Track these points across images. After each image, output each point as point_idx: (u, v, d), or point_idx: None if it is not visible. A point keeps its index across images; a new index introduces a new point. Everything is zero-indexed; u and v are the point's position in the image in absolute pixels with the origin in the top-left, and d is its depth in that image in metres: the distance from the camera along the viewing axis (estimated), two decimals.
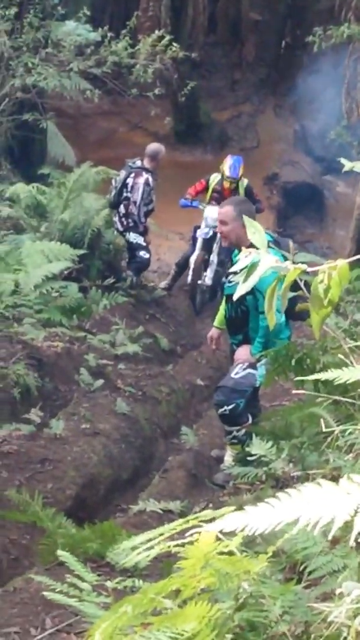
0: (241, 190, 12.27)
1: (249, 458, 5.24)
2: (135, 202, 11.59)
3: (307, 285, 3.06)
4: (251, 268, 2.83)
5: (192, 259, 12.13)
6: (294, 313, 6.09)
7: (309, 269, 2.80)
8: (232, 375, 7.00)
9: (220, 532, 2.18)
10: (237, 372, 6.98)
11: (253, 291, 5.84)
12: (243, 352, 7.05)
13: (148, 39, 13.54)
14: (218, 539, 2.36)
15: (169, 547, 2.47)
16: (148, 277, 13.18)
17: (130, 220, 11.68)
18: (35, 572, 4.72)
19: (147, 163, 11.72)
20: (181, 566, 2.42)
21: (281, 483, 4.87)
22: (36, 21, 13.14)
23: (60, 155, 15.49)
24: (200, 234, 12.07)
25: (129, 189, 11.62)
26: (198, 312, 12.45)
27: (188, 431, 8.26)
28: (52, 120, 14.56)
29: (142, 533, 2.69)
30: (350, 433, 4.26)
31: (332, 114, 17.12)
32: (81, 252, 10.94)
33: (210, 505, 6.21)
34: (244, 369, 6.95)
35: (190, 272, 12.14)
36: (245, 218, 3.24)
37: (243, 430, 6.88)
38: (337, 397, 4.67)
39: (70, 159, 15.39)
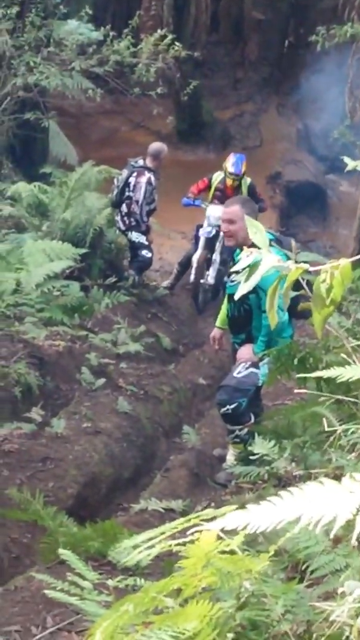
0: (244, 189, 12.26)
1: (251, 457, 5.23)
2: (137, 201, 11.59)
3: (310, 284, 3.05)
4: (253, 267, 2.82)
5: (195, 258, 12.12)
6: (297, 312, 6.10)
7: (311, 269, 2.79)
8: (235, 374, 6.99)
9: (222, 531, 2.18)
10: (240, 371, 6.96)
11: (256, 290, 5.83)
12: (246, 351, 7.03)
13: (150, 38, 13.52)
14: (219, 537, 2.35)
15: (170, 546, 2.46)
16: (150, 276, 13.19)
17: (132, 219, 11.67)
18: (37, 571, 4.71)
19: (149, 162, 11.72)
20: (182, 565, 2.41)
21: (283, 482, 4.86)
22: (38, 20, 13.13)
23: (62, 154, 15.49)
24: (203, 233, 12.05)
25: (131, 188, 11.61)
26: (200, 311, 12.44)
27: (190, 430, 8.25)
28: (54, 119, 14.55)
29: (143, 532, 2.68)
30: (352, 432, 4.25)
31: (335, 113, 17.13)
32: (83, 251, 10.94)
33: (212, 504, 6.20)
34: (247, 368, 6.94)
35: (193, 271, 12.13)
36: (247, 218, 3.23)
37: (245, 430, 6.87)
38: (339, 397, 4.66)
39: (72, 158, 15.39)
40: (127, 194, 11.64)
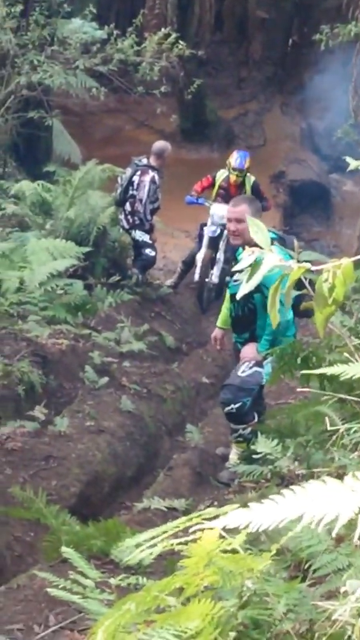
0: (248, 187, 12.25)
1: (254, 456, 5.23)
2: (141, 200, 11.58)
3: (312, 283, 3.05)
4: (254, 267, 2.82)
5: (199, 257, 12.11)
6: (300, 311, 6.10)
7: (314, 268, 2.79)
8: (239, 373, 6.98)
9: (224, 530, 2.18)
10: (244, 370, 6.95)
11: (261, 289, 5.84)
12: (249, 350, 7.03)
13: (154, 36, 13.51)
14: (221, 536, 2.35)
15: (172, 544, 2.46)
16: (154, 274, 13.18)
17: (136, 217, 11.67)
18: (39, 569, 4.71)
19: (153, 161, 11.71)
20: (184, 564, 2.41)
21: (286, 481, 4.85)
22: (42, 19, 13.12)
23: (65, 153, 15.49)
24: (208, 232, 12.04)
25: (134, 186, 11.61)
26: (204, 310, 12.44)
27: (193, 429, 8.25)
28: (58, 118, 14.55)
29: (146, 531, 2.68)
30: (355, 431, 4.25)
31: (339, 112, 17.10)
32: (86, 249, 10.94)
33: (215, 503, 6.20)
34: (251, 367, 6.93)
35: (198, 270, 12.12)
36: (248, 217, 3.23)
37: (249, 429, 6.87)
38: (342, 396, 4.66)
39: (75, 156, 15.39)
40: (130, 192, 11.63)
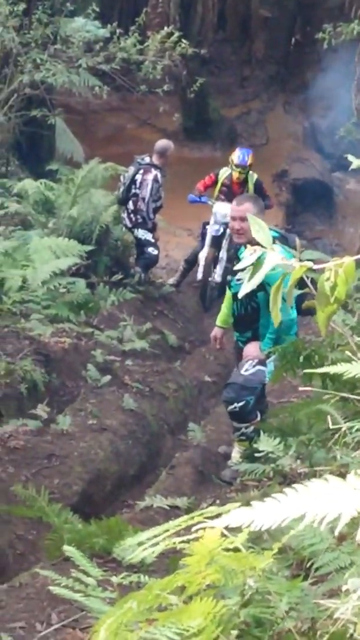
0: (250, 185, 12.24)
1: (256, 454, 5.23)
2: (143, 199, 11.58)
3: (314, 282, 3.05)
4: (256, 265, 2.82)
5: (202, 256, 12.11)
6: (302, 309, 6.10)
7: (316, 267, 2.79)
8: (242, 372, 6.97)
9: (227, 528, 2.18)
10: (247, 368, 6.94)
11: (265, 287, 5.83)
12: (252, 349, 7.02)
13: (157, 35, 13.52)
14: (223, 535, 2.36)
15: (174, 543, 2.47)
16: (156, 273, 13.18)
17: (138, 216, 11.67)
18: (41, 568, 4.71)
19: (155, 159, 11.71)
20: (186, 562, 2.41)
21: (289, 480, 4.86)
22: (45, 17, 13.13)
23: (68, 152, 15.49)
24: (210, 231, 12.04)
25: (137, 185, 11.60)
26: (207, 309, 12.43)
27: (195, 427, 8.25)
28: (61, 117, 14.56)
29: (148, 529, 2.68)
30: (357, 430, 4.25)
31: (342, 110, 17.11)
32: (89, 248, 10.93)
33: (217, 501, 6.20)
34: (254, 366, 6.92)
35: (201, 269, 12.11)
36: (250, 216, 3.23)
37: (252, 427, 6.86)
38: (344, 394, 4.66)
39: (78, 155, 15.40)
40: (133, 191, 11.63)
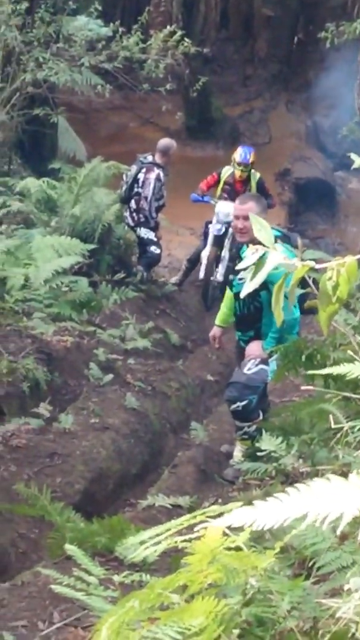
0: (253, 183, 12.23)
1: (258, 453, 5.23)
2: (146, 198, 11.58)
3: (316, 282, 3.05)
4: (258, 265, 2.82)
5: (204, 255, 12.10)
6: (304, 308, 6.09)
7: (317, 266, 2.79)
8: (245, 371, 6.96)
9: (229, 527, 2.18)
10: (250, 367, 6.94)
11: (268, 286, 5.83)
12: (255, 348, 7.02)
13: (160, 34, 13.52)
14: (225, 534, 2.36)
15: (176, 542, 2.47)
16: (159, 272, 13.18)
17: (141, 215, 11.67)
18: (44, 566, 4.71)
19: (158, 158, 11.71)
20: (188, 561, 2.41)
21: (291, 479, 4.85)
22: (47, 16, 13.14)
23: (71, 150, 15.47)
24: (213, 230, 12.03)
25: (140, 184, 11.61)
26: (209, 308, 12.43)
27: (198, 426, 8.25)
28: (63, 115, 14.54)
29: (150, 528, 2.68)
30: (359, 429, 4.25)
31: (344, 109, 17.11)
32: (91, 246, 10.93)
33: (220, 500, 6.20)
34: (256, 365, 6.92)
35: (203, 268, 12.10)
36: (251, 215, 3.23)
37: (254, 426, 6.86)
38: (347, 394, 4.66)
39: (81, 153, 15.38)
40: (136, 190, 11.64)
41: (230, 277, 7.44)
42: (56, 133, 15.04)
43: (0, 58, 13.36)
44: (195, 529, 2.38)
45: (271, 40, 22.36)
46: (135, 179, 11.63)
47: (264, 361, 6.84)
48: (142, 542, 2.58)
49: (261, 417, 6.95)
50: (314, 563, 2.95)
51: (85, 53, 13.17)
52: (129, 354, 9.41)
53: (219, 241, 12.01)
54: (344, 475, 2.13)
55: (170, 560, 4.56)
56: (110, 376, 8.46)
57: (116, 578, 3.72)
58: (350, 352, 4.32)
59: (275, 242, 2.91)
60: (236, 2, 22.28)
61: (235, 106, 21.83)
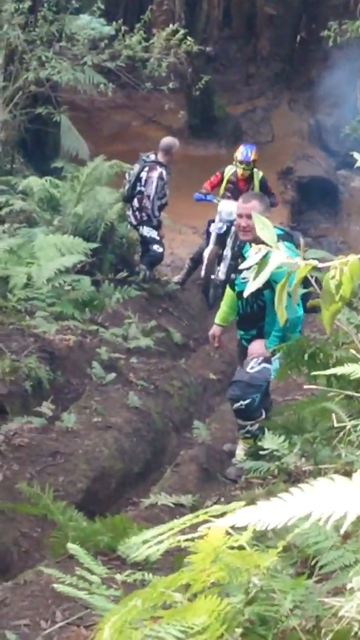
0: (256, 182, 12.22)
1: (261, 452, 5.23)
2: (149, 196, 11.58)
3: (319, 281, 3.05)
4: (261, 264, 2.82)
5: (206, 254, 12.10)
6: (307, 307, 6.09)
7: (320, 265, 2.79)
8: (248, 369, 6.96)
9: (231, 526, 2.17)
10: (253, 366, 6.93)
11: (271, 285, 5.82)
12: (258, 346, 7.02)
13: (162, 32, 13.50)
14: (228, 533, 2.35)
15: (179, 541, 2.46)
16: (161, 271, 13.18)
17: (143, 214, 11.66)
18: (46, 565, 4.72)
19: (161, 157, 11.71)
20: (191, 560, 2.41)
21: (293, 477, 4.86)
22: (50, 15, 13.12)
23: (73, 149, 15.50)
24: (215, 229, 12.02)
25: (142, 182, 11.60)
26: (211, 307, 12.41)
27: (200, 425, 8.25)
28: (66, 114, 14.55)
29: (153, 527, 2.68)
30: None
31: (347, 108, 17.10)
32: (94, 245, 10.93)
33: (222, 499, 6.21)
34: (259, 364, 6.91)
35: (204, 267, 12.10)
36: (254, 214, 3.23)
37: (257, 425, 6.86)
38: (349, 392, 4.66)
39: (83, 152, 15.40)
40: (138, 188, 11.63)
41: (232, 275, 7.43)
42: (59, 132, 15.05)
43: (3, 57, 13.37)
44: (198, 528, 2.38)
45: (274, 39, 22.35)
46: (138, 178, 11.63)
47: (267, 360, 6.84)
48: (144, 541, 2.58)
49: (264, 415, 6.95)
50: (317, 562, 2.95)
51: (88, 52, 13.16)
52: (131, 353, 9.41)
53: (221, 240, 12.00)
54: (347, 473, 2.13)
55: (173, 559, 4.56)
56: (112, 375, 8.46)
57: (119, 577, 3.71)
58: (353, 351, 4.32)
59: (278, 241, 2.91)
60: (239, 0, 22.29)
61: (238, 105, 21.82)
